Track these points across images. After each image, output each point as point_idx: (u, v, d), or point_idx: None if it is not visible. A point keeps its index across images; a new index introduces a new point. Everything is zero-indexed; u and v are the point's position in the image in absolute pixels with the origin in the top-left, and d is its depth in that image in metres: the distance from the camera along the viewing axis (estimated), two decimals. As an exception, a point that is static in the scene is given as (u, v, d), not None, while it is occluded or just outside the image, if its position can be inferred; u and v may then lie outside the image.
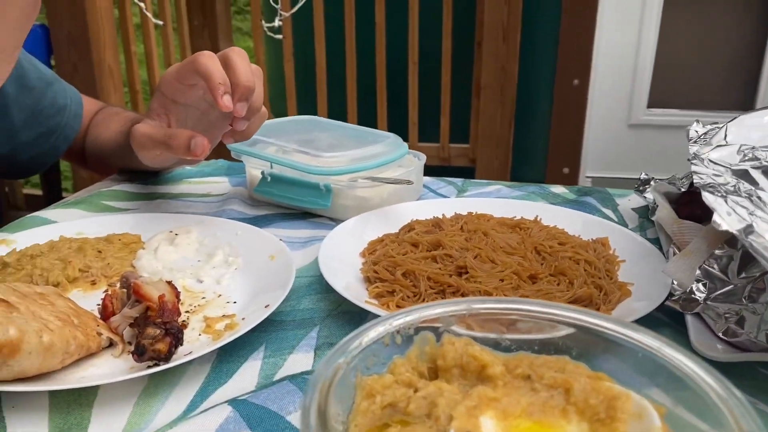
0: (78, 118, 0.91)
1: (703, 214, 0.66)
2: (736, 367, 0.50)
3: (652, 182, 0.78)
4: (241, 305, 0.60)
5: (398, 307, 0.57)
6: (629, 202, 0.83)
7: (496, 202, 0.78)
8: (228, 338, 0.52)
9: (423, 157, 0.85)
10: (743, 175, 0.58)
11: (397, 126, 2.46)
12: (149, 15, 2.29)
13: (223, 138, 0.73)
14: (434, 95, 2.42)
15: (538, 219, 0.73)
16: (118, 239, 0.69)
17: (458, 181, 0.91)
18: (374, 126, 2.47)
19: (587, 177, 2.73)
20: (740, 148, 0.62)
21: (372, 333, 0.36)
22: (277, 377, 0.51)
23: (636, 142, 2.71)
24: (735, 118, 0.67)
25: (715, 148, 0.62)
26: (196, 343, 0.54)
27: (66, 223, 0.73)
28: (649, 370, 0.35)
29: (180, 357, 0.50)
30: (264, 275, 0.63)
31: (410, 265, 0.61)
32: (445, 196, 0.86)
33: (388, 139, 0.83)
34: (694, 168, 0.59)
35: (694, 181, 0.57)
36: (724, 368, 0.51)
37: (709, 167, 0.59)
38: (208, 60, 0.65)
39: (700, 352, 0.51)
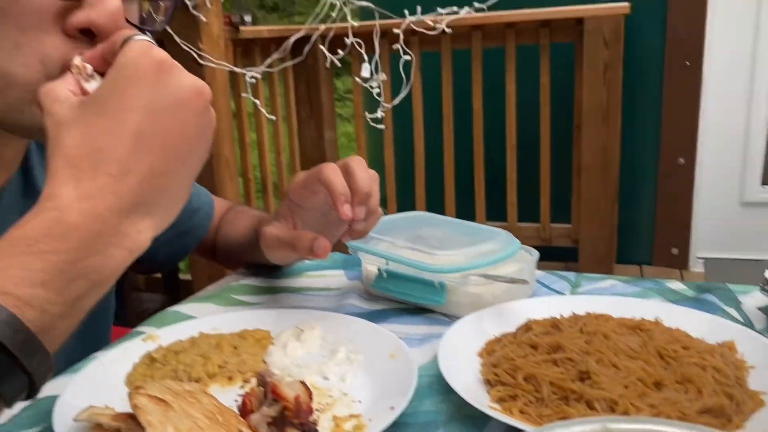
0: (209, 219, 0.99)
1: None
2: None
3: (778, 279, 0.76)
4: (367, 405, 0.62)
5: (521, 413, 0.58)
6: (753, 300, 0.81)
7: (614, 300, 0.78)
8: (357, 440, 0.54)
9: (536, 254, 0.86)
10: None
11: (496, 206, 2.49)
12: (263, 111, 2.47)
13: (342, 236, 0.79)
14: (533, 175, 2.43)
15: (659, 320, 0.72)
16: (251, 335, 0.74)
17: (571, 275, 0.92)
18: (473, 207, 2.50)
19: (699, 258, 2.61)
20: None
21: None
22: (406, 481, 0.52)
23: (751, 220, 2.58)
24: None
25: None
26: (326, 443, 0.57)
27: (204, 318, 0.79)
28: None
29: (315, 458, 0.52)
30: (386, 374, 0.65)
31: (531, 369, 0.62)
32: (558, 292, 0.87)
33: (499, 235, 0.86)
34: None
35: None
36: None
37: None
38: (331, 172, 0.71)
39: None
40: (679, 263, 2.56)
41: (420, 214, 1.00)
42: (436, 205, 2.46)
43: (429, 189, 2.57)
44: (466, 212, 2.44)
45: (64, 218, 0.42)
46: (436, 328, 0.78)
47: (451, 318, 0.80)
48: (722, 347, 0.66)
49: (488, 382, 0.64)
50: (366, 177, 0.73)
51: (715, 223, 2.58)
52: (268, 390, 0.59)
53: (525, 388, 0.60)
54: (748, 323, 0.75)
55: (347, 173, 0.73)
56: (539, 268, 0.88)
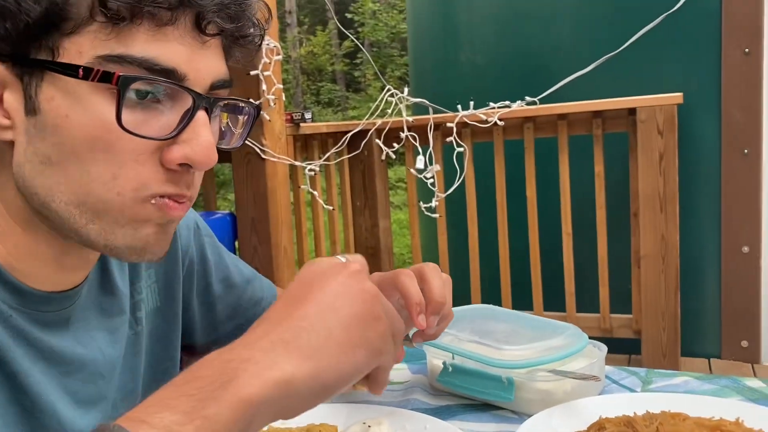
0: None
1: None
2: None
3: None
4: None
5: None
6: (841, 399, 0.77)
7: (689, 398, 0.75)
8: None
9: (604, 348, 0.85)
10: None
11: (554, 297, 2.45)
12: (321, 202, 2.54)
13: (413, 338, 0.79)
14: (591, 265, 2.40)
15: (740, 420, 0.69)
16: (318, 429, 0.74)
17: (641, 371, 0.89)
18: (530, 297, 2.47)
19: (771, 350, 2.49)
20: None
21: None
22: None
23: (824, 310, 2.46)
24: None
25: None
26: None
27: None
28: None
29: None
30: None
31: (609, 471, 0.60)
32: (629, 389, 0.84)
33: (568, 330, 0.85)
34: None
35: None
36: None
37: None
38: (407, 279, 0.73)
39: None
40: (750, 356, 2.44)
41: (484, 307, 1.00)
42: (492, 295, 2.43)
43: (484, 278, 2.56)
44: (523, 302, 2.40)
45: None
46: (505, 426, 0.76)
47: (519, 415, 0.78)
48: (812, 451, 0.63)
49: (564, 484, 0.62)
50: (441, 285, 0.74)
51: (786, 313, 2.47)
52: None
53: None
54: (838, 426, 0.71)
55: (422, 280, 0.74)
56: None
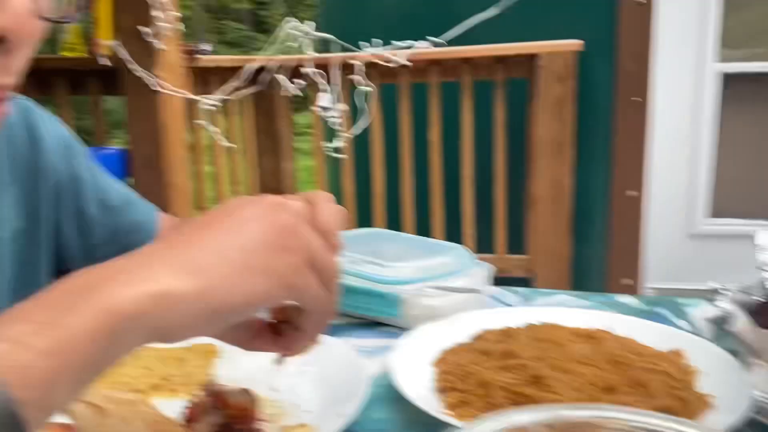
0: (154, 234, 0.96)
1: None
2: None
3: (724, 292, 0.77)
4: (317, 415, 0.60)
5: (474, 418, 0.57)
6: (701, 311, 0.82)
7: (566, 312, 0.78)
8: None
9: (490, 267, 0.86)
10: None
11: (454, 238, 2.49)
12: (221, 138, 2.45)
13: None
14: (490, 208, 2.46)
15: (610, 330, 0.72)
16: (198, 348, 0.72)
17: (524, 290, 0.92)
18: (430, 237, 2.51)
19: (649, 288, 2.67)
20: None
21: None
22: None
23: (698, 252, 2.66)
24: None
25: (788, 255, 0.62)
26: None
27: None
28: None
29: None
30: (338, 385, 0.64)
31: (483, 375, 0.61)
32: (512, 306, 0.87)
33: (454, 250, 0.86)
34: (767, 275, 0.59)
35: (771, 288, 0.57)
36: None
37: (785, 275, 0.59)
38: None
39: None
40: (631, 294, 2.60)
41: (378, 231, 1.00)
42: (393, 236, 2.45)
43: (388, 219, 2.58)
44: (423, 243, 2.44)
45: None
46: (391, 340, 0.77)
47: (405, 330, 0.79)
48: (672, 354, 0.67)
49: (441, 390, 0.63)
50: (329, 212, 0.71)
51: (664, 254, 2.65)
52: (214, 400, 0.57)
53: (477, 393, 0.59)
54: (697, 333, 0.76)
55: (310, 203, 0.71)
56: (493, 284, 0.88)
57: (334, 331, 0.80)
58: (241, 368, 0.69)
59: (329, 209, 0.71)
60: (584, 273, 2.58)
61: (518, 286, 0.96)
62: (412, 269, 0.81)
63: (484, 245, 2.49)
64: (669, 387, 0.60)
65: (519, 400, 0.58)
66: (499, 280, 0.90)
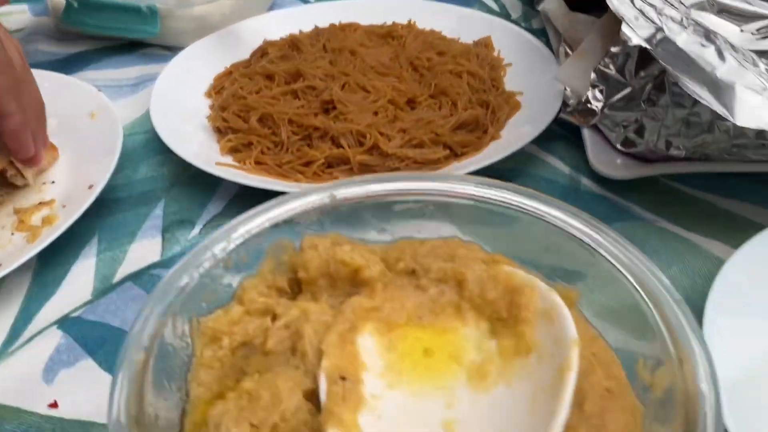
0: None
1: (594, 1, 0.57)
2: (637, 182, 0.45)
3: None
4: (62, 186, 0.48)
5: (257, 163, 0.48)
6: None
7: (361, 3, 0.65)
8: (49, 237, 0.41)
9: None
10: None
11: None
12: None
13: None
14: None
15: (412, 23, 0.62)
16: None
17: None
18: None
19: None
20: None
21: (205, 261, 0.27)
22: (117, 277, 0.42)
23: None
24: None
25: None
26: (8, 247, 0.43)
27: None
28: (553, 243, 0.29)
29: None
30: (85, 141, 0.50)
31: (266, 108, 0.50)
32: (300, 1, 0.72)
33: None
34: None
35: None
36: (625, 186, 0.47)
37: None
38: None
39: (599, 170, 0.46)
40: None
41: None
42: None
43: None
44: None
45: None
46: (154, 67, 0.61)
47: (171, 50, 0.63)
48: (478, 46, 0.59)
49: (218, 130, 0.52)
50: None
51: None
52: None
53: (260, 132, 0.49)
54: (504, 12, 0.68)
55: None
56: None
57: (79, 63, 0.63)
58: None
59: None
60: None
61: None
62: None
63: None
64: (474, 91, 0.53)
65: (309, 134, 0.48)
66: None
